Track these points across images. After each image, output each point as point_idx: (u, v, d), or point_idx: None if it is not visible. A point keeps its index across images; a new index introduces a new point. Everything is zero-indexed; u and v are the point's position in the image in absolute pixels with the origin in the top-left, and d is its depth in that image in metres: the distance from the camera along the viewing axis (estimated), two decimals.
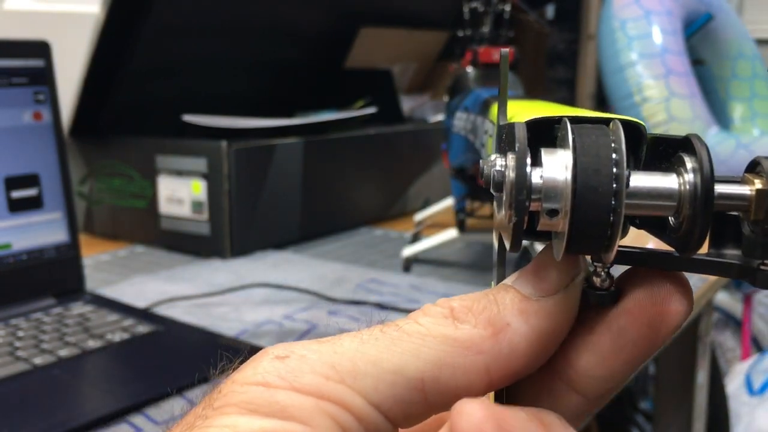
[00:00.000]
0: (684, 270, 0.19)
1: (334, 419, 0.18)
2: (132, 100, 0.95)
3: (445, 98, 0.78)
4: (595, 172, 0.17)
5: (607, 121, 0.19)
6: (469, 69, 0.72)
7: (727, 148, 1.92)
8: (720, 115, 2.14)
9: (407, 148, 1.09)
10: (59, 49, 0.67)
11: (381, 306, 0.67)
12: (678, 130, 1.93)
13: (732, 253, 0.20)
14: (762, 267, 0.19)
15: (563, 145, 0.18)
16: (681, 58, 1.95)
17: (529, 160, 0.18)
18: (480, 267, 0.81)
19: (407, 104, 1.24)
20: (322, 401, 0.18)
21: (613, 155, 0.17)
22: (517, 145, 0.18)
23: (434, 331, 0.19)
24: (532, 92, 1.10)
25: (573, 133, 0.18)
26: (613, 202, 0.17)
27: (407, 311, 0.66)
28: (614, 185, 0.17)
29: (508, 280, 0.20)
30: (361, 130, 1.02)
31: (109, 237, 0.94)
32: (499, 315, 0.19)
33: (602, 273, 0.20)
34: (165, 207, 0.88)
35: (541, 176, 0.18)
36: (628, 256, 0.19)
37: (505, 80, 0.21)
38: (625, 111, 2.00)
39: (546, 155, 0.18)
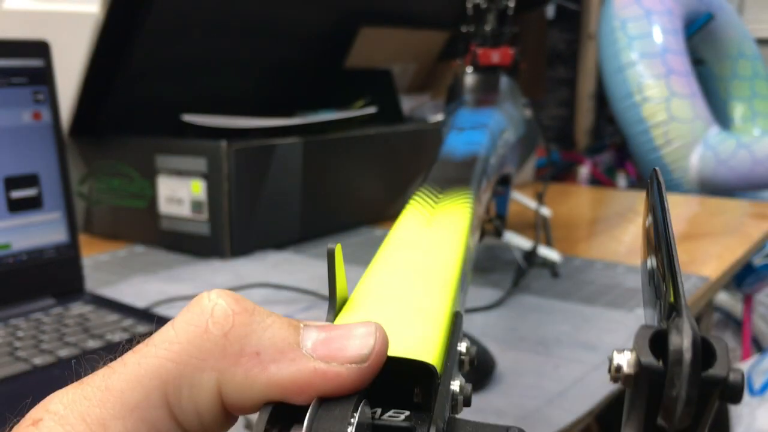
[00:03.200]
0: None
1: None
2: (132, 100, 0.95)
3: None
4: None
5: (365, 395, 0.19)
6: (469, 69, 0.72)
7: (727, 148, 1.93)
8: (720, 114, 2.14)
9: (407, 148, 1.09)
10: (59, 49, 0.67)
11: None
12: (678, 129, 1.93)
13: None
14: None
15: None
16: (681, 57, 1.96)
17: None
18: (479, 268, 0.81)
19: (407, 104, 1.24)
20: None
21: None
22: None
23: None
24: (532, 92, 1.10)
25: (309, 421, 0.18)
26: None
27: None
28: None
29: (312, 333, 0.20)
30: (361, 130, 1.02)
31: (109, 237, 0.94)
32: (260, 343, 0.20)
33: None
34: (165, 207, 0.88)
35: None
36: None
37: (332, 280, 0.21)
38: (626, 111, 2.00)
39: None
